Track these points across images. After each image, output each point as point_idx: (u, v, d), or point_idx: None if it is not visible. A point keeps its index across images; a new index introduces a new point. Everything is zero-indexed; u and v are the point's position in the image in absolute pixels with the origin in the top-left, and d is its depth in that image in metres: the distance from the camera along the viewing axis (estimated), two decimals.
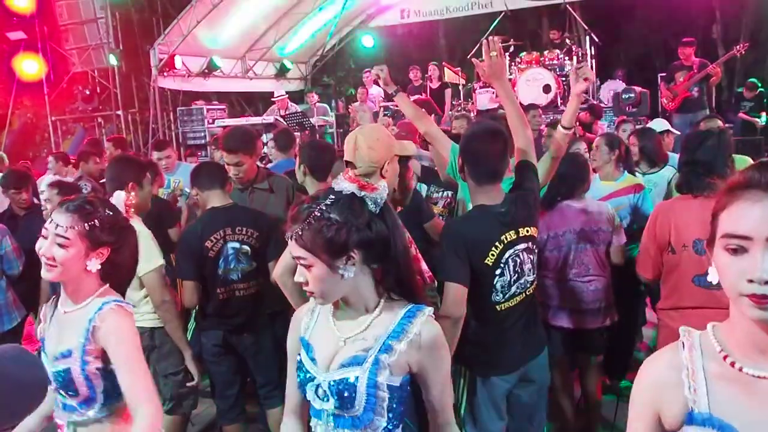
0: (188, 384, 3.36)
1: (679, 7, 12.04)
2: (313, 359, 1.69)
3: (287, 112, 10.39)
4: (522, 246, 2.45)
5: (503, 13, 11.09)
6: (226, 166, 3.79)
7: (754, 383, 1.15)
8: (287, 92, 11.45)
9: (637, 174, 4.64)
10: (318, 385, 1.66)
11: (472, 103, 10.75)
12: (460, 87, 11.23)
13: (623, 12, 12.00)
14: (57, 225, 1.90)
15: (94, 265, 1.94)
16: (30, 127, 14.66)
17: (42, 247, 1.91)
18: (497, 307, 2.46)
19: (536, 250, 2.57)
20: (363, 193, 1.61)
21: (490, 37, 2.79)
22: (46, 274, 1.93)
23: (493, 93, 10.04)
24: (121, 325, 1.92)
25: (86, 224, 1.91)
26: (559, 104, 10.39)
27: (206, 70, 11.23)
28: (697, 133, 2.94)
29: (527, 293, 2.51)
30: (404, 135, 6.35)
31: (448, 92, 10.36)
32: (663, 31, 12.17)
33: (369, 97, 11.38)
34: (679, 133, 5.98)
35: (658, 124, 5.92)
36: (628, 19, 12.11)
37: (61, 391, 1.94)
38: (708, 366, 1.21)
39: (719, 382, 1.19)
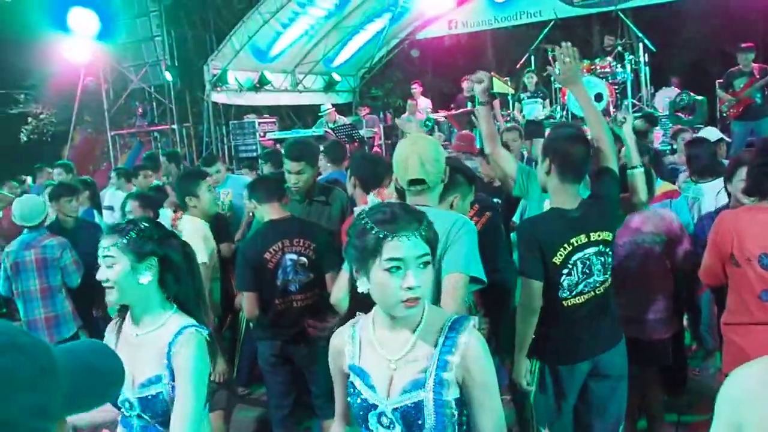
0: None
1: (735, 11, 11.70)
2: (371, 386, 1.66)
3: (336, 125, 10.50)
4: (592, 249, 2.57)
5: (553, 22, 10.97)
6: (287, 175, 3.87)
7: None
8: (335, 105, 11.59)
9: (687, 183, 4.58)
10: (381, 413, 1.64)
11: (515, 111, 10.67)
12: (509, 97, 11.15)
13: (677, 18, 11.73)
14: (103, 248, 1.96)
15: (147, 277, 1.98)
16: (90, 141, 15.25)
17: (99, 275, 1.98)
18: (564, 302, 2.58)
19: (610, 252, 2.65)
20: None
21: (564, 43, 2.85)
22: (108, 298, 1.99)
23: (542, 104, 9.95)
24: (195, 353, 1.94)
25: (124, 238, 1.96)
26: (611, 112, 10.20)
27: (257, 85, 11.46)
28: None
29: (597, 291, 2.61)
30: (463, 146, 6.37)
31: (496, 103, 10.28)
32: (719, 37, 11.84)
33: (418, 108, 11.41)
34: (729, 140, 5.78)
35: (711, 133, 5.75)
36: (682, 25, 11.83)
37: (144, 416, 1.96)
38: None
39: None
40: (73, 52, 12.41)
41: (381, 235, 1.57)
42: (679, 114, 8.90)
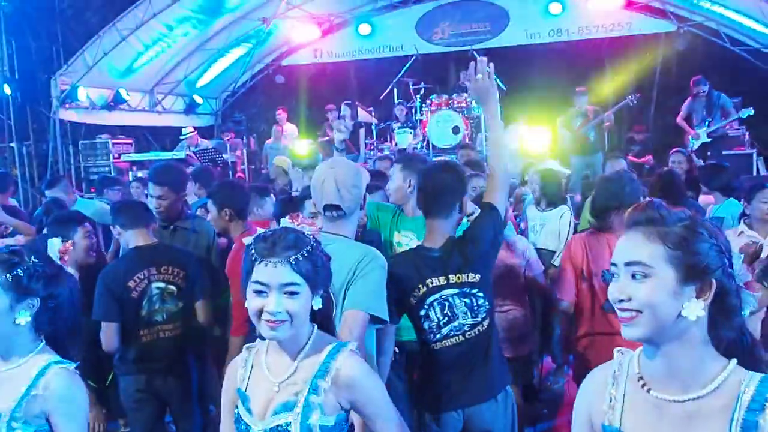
0: None
1: (572, 57, 12.93)
2: (249, 410, 1.71)
3: (198, 148, 10.19)
4: (452, 291, 2.48)
5: (414, 57, 11.46)
6: (149, 199, 3.71)
7: (666, 406, 1.28)
8: (196, 127, 11.24)
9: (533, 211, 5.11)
10: None
11: (390, 142, 11.01)
12: (373, 126, 11.46)
13: (524, 62, 12.73)
14: None
15: (24, 318, 1.83)
16: None
17: None
18: (432, 345, 2.52)
19: (481, 295, 2.52)
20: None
21: (479, 58, 2.71)
22: None
23: (412, 133, 10.36)
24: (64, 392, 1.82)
25: (9, 274, 1.80)
26: (469, 144, 10.81)
27: (111, 103, 10.84)
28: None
29: (467, 336, 2.50)
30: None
31: (362, 132, 10.54)
32: (559, 80, 12.97)
33: (284, 133, 11.38)
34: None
35: (555, 166, 6.41)
36: (527, 68, 12.83)
37: None
38: (628, 386, 1.35)
39: (634, 402, 1.33)
40: None
41: (253, 258, 1.65)
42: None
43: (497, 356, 2.59)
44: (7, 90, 10.92)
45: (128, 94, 10.98)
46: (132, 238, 3.28)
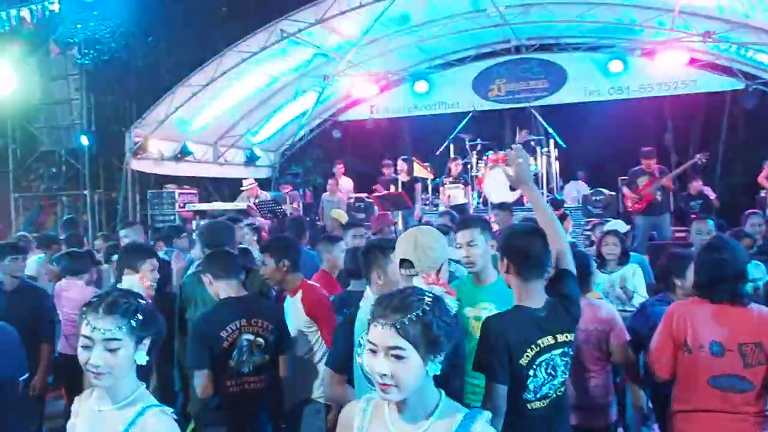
0: None
1: (633, 116, 12.88)
2: None
3: (258, 200, 10.46)
4: (558, 351, 2.51)
5: (471, 114, 11.65)
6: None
7: None
8: (256, 179, 11.60)
9: (601, 272, 4.94)
10: None
11: (444, 197, 11.10)
12: (428, 182, 11.60)
13: (582, 119, 12.78)
14: (103, 330, 1.85)
15: (143, 358, 1.92)
16: None
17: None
18: (528, 405, 2.49)
19: (571, 353, 2.58)
20: (448, 298, 1.72)
21: (515, 145, 2.81)
22: (96, 383, 1.91)
23: (463, 189, 10.41)
24: None
25: (132, 319, 1.89)
26: (524, 202, 10.81)
27: (179, 155, 11.30)
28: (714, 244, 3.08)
29: (558, 393, 2.54)
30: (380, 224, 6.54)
31: (418, 186, 10.68)
32: (618, 138, 12.94)
33: (339, 187, 11.62)
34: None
35: (620, 226, 6.25)
36: (586, 125, 12.86)
37: None
38: None
39: None
40: None
41: (370, 318, 1.69)
42: (590, 207, 9.58)
43: (567, 410, 2.69)
44: (84, 141, 11.54)
45: (193, 147, 11.45)
46: (223, 289, 3.40)
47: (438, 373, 1.69)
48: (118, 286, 2.14)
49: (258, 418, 3.47)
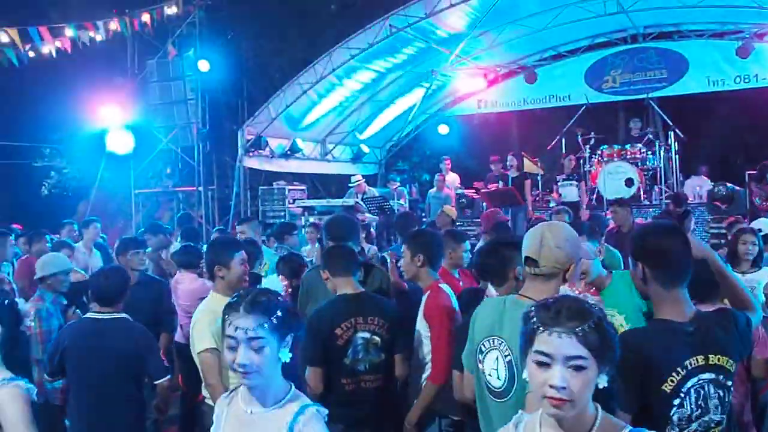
0: None
1: (759, 107, 11.88)
2: None
3: (365, 196, 10.51)
4: (709, 376, 2.10)
5: (584, 106, 11.14)
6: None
7: None
8: (363, 176, 11.66)
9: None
10: None
11: (554, 193, 10.70)
12: (539, 177, 11.20)
13: (703, 110, 11.91)
14: (247, 329, 1.81)
15: (287, 356, 1.88)
16: (108, 199, 15.28)
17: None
18: None
19: (730, 386, 2.15)
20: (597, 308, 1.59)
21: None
22: (245, 382, 1.88)
23: (577, 186, 9.96)
24: None
25: (273, 317, 1.84)
26: (642, 198, 10.22)
27: (288, 152, 11.56)
28: None
29: None
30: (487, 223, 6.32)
31: (528, 182, 10.33)
32: (743, 130, 11.98)
33: (447, 183, 11.46)
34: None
35: (764, 224, 5.71)
36: (707, 117, 12.00)
37: None
38: None
39: None
40: (105, 111, 12.65)
41: (535, 326, 1.56)
42: (717, 203, 8.88)
43: None
44: (200, 139, 12.06)
45: (302, 144, 11.67)
46: (340, 285, 3.35)
47: (606, 385, 1.55)
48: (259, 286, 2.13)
49: (380, 416, 3.38)
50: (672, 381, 2.05)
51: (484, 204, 10.08)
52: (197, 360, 3.25)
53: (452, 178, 11.95)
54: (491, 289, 2.71)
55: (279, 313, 1.85)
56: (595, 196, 10.39)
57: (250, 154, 10.90)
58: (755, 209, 8.43)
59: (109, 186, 14.58)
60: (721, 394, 2.11)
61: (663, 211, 8.74)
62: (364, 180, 11.24)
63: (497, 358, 2.28)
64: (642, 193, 10.24)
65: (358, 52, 9.86)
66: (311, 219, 9.61)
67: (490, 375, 2.31)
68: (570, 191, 9.94)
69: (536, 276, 2.26)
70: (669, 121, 10.40)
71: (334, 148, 12.70)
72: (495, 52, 11.70)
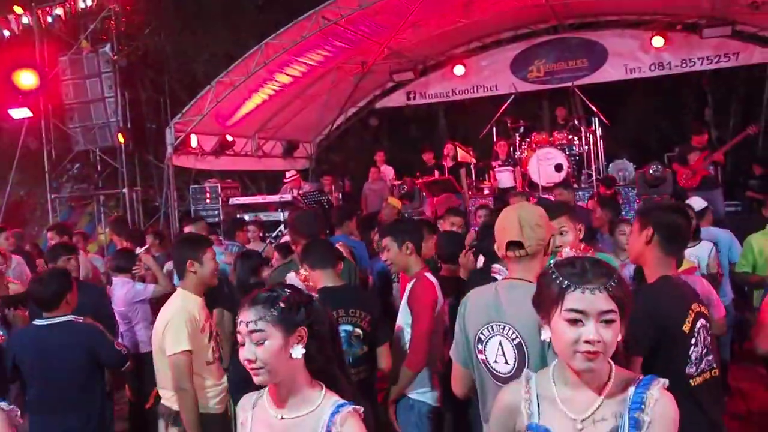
0: None
1: (671, 92, 12.55)
2: None
3: (303, 191, 10.35)
4: (702, 321, 2.39)
5: (514, 95, 11.41)
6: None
7: None
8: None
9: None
10: None
11: (487, 181, 10.91)
12: (472, 166, 11.38)
13: (623, 96, 12.48)
14: (247, 323, 1.75)
15: (299, 351, 1.77)
16: (21, 205, 14.39)
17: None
18: (691, 381, 2.32)
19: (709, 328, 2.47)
20: None
21: None
22: (257, 380, 1.78)
23: (512, 172, 10.19)
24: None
25: (273, 309, 1.76)
26: (571, 182, 10.57)
27: (218, 149, 11.21)
28: None
29: (713, 374, 2.38)
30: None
31: (463, 171, 10.48)
32: (659, 115, 12.63)
33: (381, 176, 11.47)
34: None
35: (697, 203, 6.09)
36: (626, 104, 12.57)
37: None
38: None
39: None
40: (15, 113, 11.85)
41: (564, 285, 1.60)
42: (647, 184, 9.35)
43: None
44: (121, 139, 11.48)
45: (233, 140, 11.35)
46: (320, 278, 3.26)
47: (619, 338, 1.63)
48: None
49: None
50: (688, 322, 2.33)
51: (424, 194, 10.17)
52: (169, 362, 3.12)
53: (386, 171, 11.97)
54: (501, 267, 2.76)
55: (281, 305, 1.76)
56: (526, 181, 10.66)
57: (179, 152, 10.49)
58: (679, 189, 8.90)
59: (20, 191, 13.71)
60: (710, 339, 2.41)
61: (594, 193, 9.11)
62: (299, 174, 11.08)
63: (500, 343, 2.29)
64: (570, 177, 10.58)
65: (290, 45, 9.66)
66: (246, 217, 9.33)
67: (495, 362, 2.31)
68: (505, 177, 10.18)
69: (520, 257, 2.33)
70: (593, 108, 10.80)
71: (265, 143, 12.44)
72: (423, 45, 11.77)
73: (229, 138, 11.15)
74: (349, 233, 5.46)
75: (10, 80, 12.27)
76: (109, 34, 11.78)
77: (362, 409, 1.80)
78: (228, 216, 10.17)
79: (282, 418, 1.79)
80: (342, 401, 1.79)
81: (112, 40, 11.59)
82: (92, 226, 12.95)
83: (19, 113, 11.94)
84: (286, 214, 9.64)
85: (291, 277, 1.97)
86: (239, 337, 1.77)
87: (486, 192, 10.85)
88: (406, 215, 9.07)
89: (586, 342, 1.56)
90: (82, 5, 11.27)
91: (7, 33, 10.49)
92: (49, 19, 11.08)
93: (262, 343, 1.73)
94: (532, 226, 2.32)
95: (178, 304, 3.22)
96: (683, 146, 9.29)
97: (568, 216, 3.00)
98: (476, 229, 6.48)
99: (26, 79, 11.32)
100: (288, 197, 9.86)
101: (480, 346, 2.34)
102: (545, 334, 1.68)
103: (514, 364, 2.26)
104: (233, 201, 10.47)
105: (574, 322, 1.58)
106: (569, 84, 11.50)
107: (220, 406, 3.31)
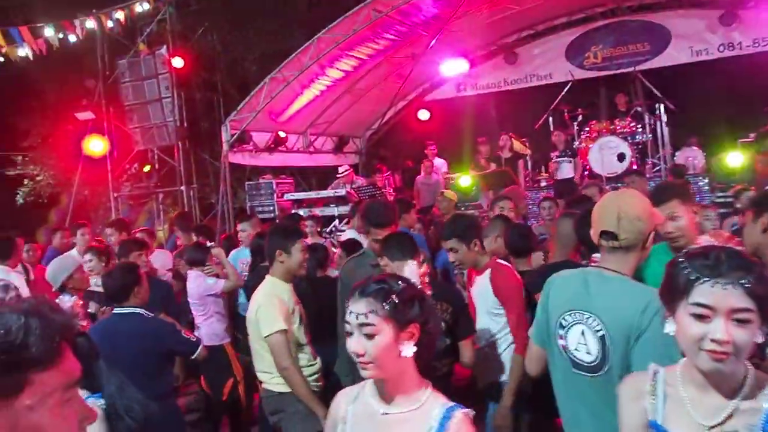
0: None
1: (744, 74, 11.93)
2: None
3: (356, 185, 10.31)
4: None
5: (570, 83, 11.09)
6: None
7: None
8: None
9: None
10: None
11: (544, 173, 10.66)
12: (527, 157, 11.13)
13: (688, 80, 11.94)
14: (357, 314, 1.68)
15: (410, 348, 1.69)
16: (85, 204, 14.78)
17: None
18: None
19: None
20: None
21: None
22: (364, 374, 1.71)
23: (571, 162, 9.91)
24: None
25: (386, 302, 1.67)
26: (642, 171, 10.19)
27: (272, 145, 11.26)
28: None
29: None
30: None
31: (521, 163, 10.26)
32: (730, 99, 11.98)
33: (434, 169, 11.33)
34: None
35: None
36: (693, 88, 12.00)
37: None
38: None
39: None
40: (78, 114, 12.21)
41: (692, 277, 1.46)
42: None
43: None
44: (177, 138, 11.67)
45: (286, 136, 11.38)
46: (399, 271, 3.16)
47: (763, 340, 1.45)
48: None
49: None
50: None
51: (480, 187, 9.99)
52: (266, 343, 3.20)
53: (439, 164, 11.81)
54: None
55: (394, 299, 1.67)
56: (587, 171, 10.34)
57: (234, 149, 10.57)
58: (757, 177, 8.47)
59: (84, 191, 14.08)
60: None
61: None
62: (352, 169, 11.05)
63: (583, 332, 2.19)
64: (634, 167, 10.22)
65: (342, 39, 9.59)
66: (300, 212, 9.32)
67: (577, 350, 2.22)
68: (565, 168, 9.90)
69: (615, 249, 2.20)
70: (658, 94, 10.40)
71: (316, 139, 12.44)
72: (473, 35, 11.55)
73: (282, 134, 11.17)
74: (408, 226, 5.37)
75: (71, 83, 12.71)
76: (164, 36, 12.00)
77: (473, 413, 1.71)
78: (283, 212, 10.20)
79: (385, 413, 1.71)
80: (449, 404, 1.71)
81: (167, 42, 11.79)
82: (150, 223, 13.19)
83: (83, 116, 12.32)
84: (340, 208, 9.64)
85: (409, 270, 1.88)
86: (347, 327, 1.70)
87: (543, 184, 10.60)
88: (462, 208, 8.92)
89: (713, 341, 1.42)
90: (139, 9, 11.47)
91: (72, 38, 10.70)
92: (110, 24, 11.27)
93: (372, 337, 1.65)
94: (631, 219, 2.18)
95: (268, 289, 3.34)
96: (761, 132, 8.89)
97: (680, 199, 2.75)
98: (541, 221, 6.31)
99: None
100: (342, 192, 9.82)
101: (561, 332, 2.27)
102: (669, 328, 1.55)
103: (598, 355, 2.17)
104: (287, 196, 10.50)
105: (699, 317, 1.45)
106: (631, 69, 11.08)
107: (316, 385, 3.38)
